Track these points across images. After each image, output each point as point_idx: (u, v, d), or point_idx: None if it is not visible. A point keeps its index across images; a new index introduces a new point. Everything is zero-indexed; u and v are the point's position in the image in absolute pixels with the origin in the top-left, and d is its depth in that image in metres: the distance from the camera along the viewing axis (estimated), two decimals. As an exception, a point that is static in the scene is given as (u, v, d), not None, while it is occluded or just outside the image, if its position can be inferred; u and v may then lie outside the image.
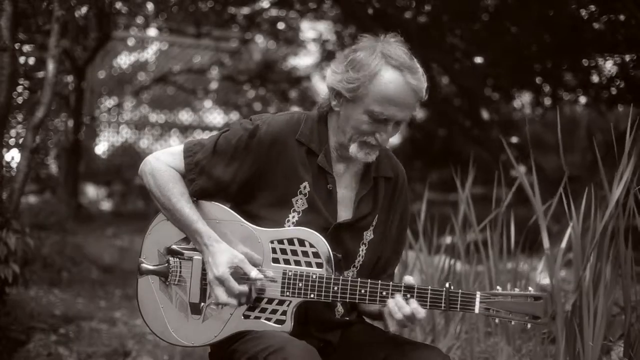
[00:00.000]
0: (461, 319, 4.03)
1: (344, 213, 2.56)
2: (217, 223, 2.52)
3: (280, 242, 2.48)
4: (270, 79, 12.34)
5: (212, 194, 2.54)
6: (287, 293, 2.46)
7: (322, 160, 2.52)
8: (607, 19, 7.81)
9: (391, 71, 2.42)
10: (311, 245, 2.46)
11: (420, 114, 12.78)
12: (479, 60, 9.23)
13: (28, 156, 4.13)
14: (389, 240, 2.65)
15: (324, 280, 2.44)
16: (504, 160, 7.32)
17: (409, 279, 2.43)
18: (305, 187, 2.51)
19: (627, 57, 8.04)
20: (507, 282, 3.94)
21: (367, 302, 2.44)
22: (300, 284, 2.45)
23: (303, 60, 13.01)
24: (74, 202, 9.27)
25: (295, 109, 12.61)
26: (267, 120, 2.54)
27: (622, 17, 7.57)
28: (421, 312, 2.38)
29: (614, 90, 8.55)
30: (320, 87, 12.92)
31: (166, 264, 2.57)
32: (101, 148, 12.67)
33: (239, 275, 2.45)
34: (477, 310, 2.39)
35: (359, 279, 2.44)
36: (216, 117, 13.13)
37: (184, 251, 2.55)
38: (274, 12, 11.14)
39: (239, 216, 2.52)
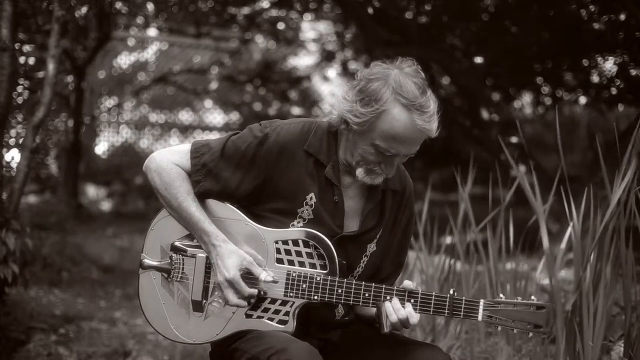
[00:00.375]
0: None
1: (350, 225, 2.55)
2: (221, 221, 2.51)
3: (285, 242, 2.48)
4: (270, 79, 12.34)
5: (217, 196, 2.53)
6: (291, 294, 2.46)
7: (330, 172, 2.51)
8: (607, 19, 7.81)
9: (399, 110, 2.36)
10: (316, 247, 2.45)
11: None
12: (479, 60, 9.24)
13: (28, 156, 4.13)
14: (389, 253, 2.64)
15: (328, 282, 2.44)
16: (503, 160, 7.31)
17: (408, 284, 2.43)
18: (311, 198, 2.50)
19: (627, 57, 8.04)
20: (507, 282, 3.94)
21: (370, 305, 2.44)
22: (304, 285, 2.45)
23: (303, 60, 13.01)
24: (74, 202, 9.27)
25: (295, 109, 12.62)
26: (277, 129, 2.51)
27: (622, 17, 7.57)
28: (414, 317, 2.39)
29: (614, 90, 8.55)
30: (321, 87, 12.93)
31: (169, 261, 2.56)
32: (101, 148, 12.68)
33: (248, 276, 2.45)
34: (480, 318, 2.40)
35: (363, 282, 2.44)
36: (216, 117, 13.13)
37: (187, 248, 2.55)
38: (274, 12, 11.14)
39: (244, 215, 2.52)
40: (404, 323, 2.39)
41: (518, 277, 3.94)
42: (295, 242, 2.47)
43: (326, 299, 2.44)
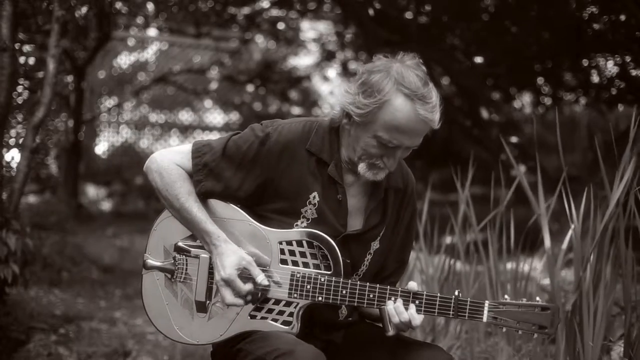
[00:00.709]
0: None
1: (354, 223, 2.54)
2: (224, 221, 2.51)
3: (289, 243, 2.47)
4: (270, 79, 12.33)
5: (218, 196, 2.53)
6: (295, 295, 2.45)
7: (333, 170, 2.50)
8: (607, 19, 7.81)
9: (401, 100, 2.36)
10: (320, 248, 2.45)
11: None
12: (479, 60, 9.24)
13: (28, 156, 4.13)
14: (393, 250, 2.64)
15: (332, 283, 2.43)
16: (504, 160, 7.31)
17: (413, 285, 2.43)
18: (314, 197, 2.50)
19: (627, 58, 8.04)
20: (507, 282, 3.94)
21: (375, 307, 2.43)
22: (308, 287, 2.44)
23: (303, 60, 13.00)
24: (74, 202, 9.27)
25: (295, 109, 12.61)
26: (279, 128, 2.51)
27: (622, 17, 7.57)
28: (417, 319, 2.39)
29: (614, 91, 8.55)
30: (321, 87, 12.93)
31: (172, 261, 2.56)
32: (101, 148, 12.67)
33: (245, 275, 2.44)
34: (485, 319, 2.40)
35: (367, 283, 2.44)
36: (216, 117, 13.13)
37: (190, 249, 2.54)
38: (274, 12, 11.14)
39: (247, 215, 2.51)
40: (407, 325, 2.39)
41: (518, 277, 3.93)
42: (299, 243, 2.46)
43: (330, 300, 2.44)
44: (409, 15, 8.96)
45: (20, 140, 4.40)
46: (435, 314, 2.42)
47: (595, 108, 9.45)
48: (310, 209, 2.49)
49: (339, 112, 2.48)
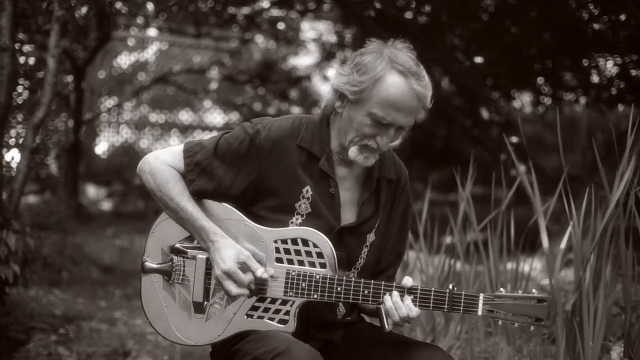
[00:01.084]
0: (461, 318, 4.03)
1: (347, 216, 2.55)
2: (221, 222, 2.51)
3: (284, 241, 2.48)
4: (270, 79, 12.34)
5: (211, 195, 2.54)
6: (291, 293, 2.46)
7: (324, 164, 2.52)
8: (607, 19, 7.82)
9: (396, 76, 2.40)
10: (315, 246, 2.45)
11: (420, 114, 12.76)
12: (479, 60, 9.25)
13: (28, 156, 4.13)
14: (389, 242, 2.64)
15: (328, 280, 2.44)
16: (504, 159, 7.32)
17: (408, 280, 2.44)
18: (307, 191, 2.51)
19: (627, 57, 8.04)
20: (507, 282, 3.93)
21: (370, 302, 2.44)
22: (303, 284, 2.45)
23: (303, 60, 13.01)
24: (74, 202, 9.27)
25: (295, 109, 12.61)
26: (268, 125, 2.53)
27: (622, 17, 7.57)
28: (414, 311, 2.39)
29: (614, 91, 8.55)
30: (321, 87, 12.93)
31: (170, 263, 2.56)
32: (101, 148, 12.68)
33: (245, 271, 2.45)
34: (480, 312, 2.39)
35: (362, 279, 2.44)
36: (216, 117, 13.13)
37: (187, 250, 2.55)
38: (274, 12, 11.14)
39: (242, 215, 2.52)
40: (405, 319, 2.40)
41: (518, 277, 3.93)
42: (294, 241, 2.47)
43: (326, 298, 2.44)
44: (409, 15, 8.97)
45: (20, 140, 4.40)
46: (430, 308, 2.41)
47: (595, 108, 9.45)
48: (304, 203, 2.50)
49: (331, 97, 2.51)
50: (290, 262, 2.47)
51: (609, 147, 3.68)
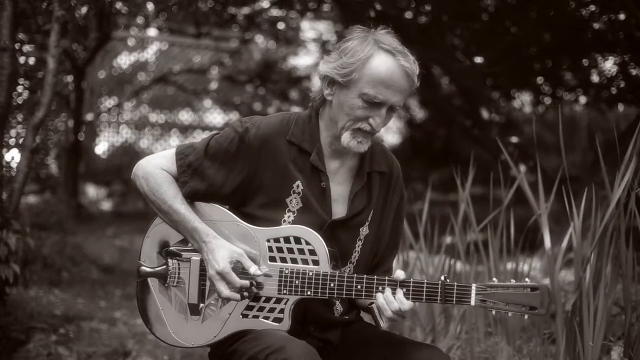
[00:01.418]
0: (461, 318, 4.03)
1: (339, 210, 2.56)
2: (213, 223, 2.53)
3: (277, 240, 2.49)
4: (270, 79, 12.33)
5: (204, 196, 2.56)
6: (284, 291, 2.47)
7: (315, 159, 2.53)
8: (607, 18, 7.81)
9: (384, 54, 2.45)
10: (307, 243, 2.47)
11: (420, 114, 12.80)
12: (479, 60, 9.23)
13: (28, 156, 4.13)
14: (384, 235, 2.65)
15: (320, 277, 2.45)
16: (504, 160, 7.31)
17: (400, 273, 2.44)
18: (298, 186, 2.52)
19: (627, 57, 8.04)
20: (507, 282, 3.93)
21: (363, 297, 2.44)
22: (296, 282, 2.46)
23: (303, 60, 13.01)
24: (74, 202, 9.27)
25: (295, 109, 12.62)
26: (257, 123, 2.55)
27: (622, 17, 7.57)
28: (405, 304, 2.39)
29: (614, 90, 8.55)
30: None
31: (165, 266, 2.58)
32: (101, 148, 12.67)
33: (239, 270, 2.46)
34: (473, 303, 2.38)
35: (355, 275, 2.45)
36: (216, 117, 13.13)
37: (182, 252, 2.57)
38: (274, 12, 11.14)
39: (235, 216, 2.54)
40: (397, 313, 2.40)
41: (518, 277, 3.93)
42: (287, 239, 2.48)
43: (319, 294, 2.45)
44: (408, 15, 8.96)
45: (20, 140, 4.41)
46: (424, 300, 2.41)
47: (595, 108, 9.45)
48: (295, 198, 2.51)
49: (319, 87, 2.55)
50: (283, 260, 2.48)
51: (609, 147, 3.68)
